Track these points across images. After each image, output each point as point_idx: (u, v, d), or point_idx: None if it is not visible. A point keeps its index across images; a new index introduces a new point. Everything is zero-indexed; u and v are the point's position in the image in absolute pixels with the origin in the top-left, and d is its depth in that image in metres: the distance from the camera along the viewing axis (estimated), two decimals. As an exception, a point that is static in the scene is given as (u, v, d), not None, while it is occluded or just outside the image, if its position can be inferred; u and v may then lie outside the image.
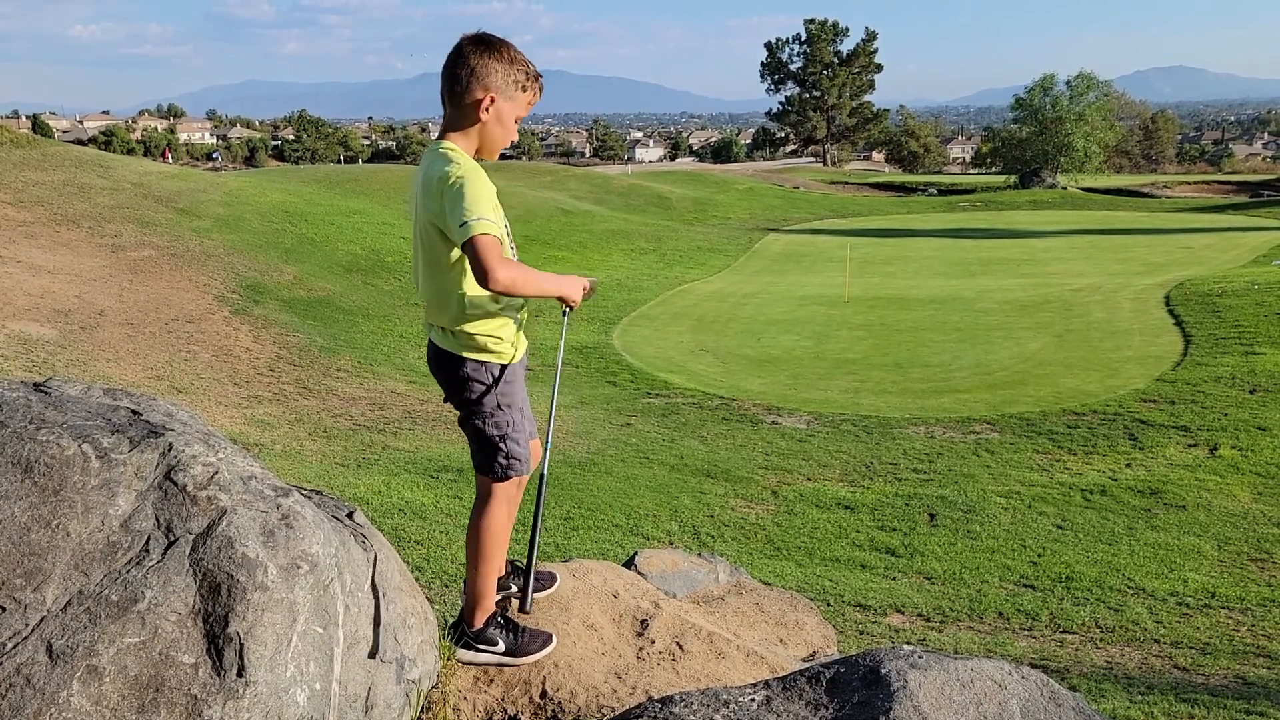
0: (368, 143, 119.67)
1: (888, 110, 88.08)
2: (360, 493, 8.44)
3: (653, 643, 3.18)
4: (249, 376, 12.87)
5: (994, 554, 7.58)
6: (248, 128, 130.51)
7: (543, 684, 2.86)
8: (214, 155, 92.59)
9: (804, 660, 3.60)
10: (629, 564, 3.95)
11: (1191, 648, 5.71)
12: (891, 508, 8.76)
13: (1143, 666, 5.39)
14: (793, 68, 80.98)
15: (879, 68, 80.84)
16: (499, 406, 2.70)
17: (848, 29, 79.60)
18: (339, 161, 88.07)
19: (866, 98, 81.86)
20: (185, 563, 2.19)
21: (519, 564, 3.11)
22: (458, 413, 2.81)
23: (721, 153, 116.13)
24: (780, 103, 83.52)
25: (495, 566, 2.89)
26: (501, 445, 2.73)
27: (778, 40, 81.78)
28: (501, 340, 2.66)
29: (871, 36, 79.93)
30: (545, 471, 2.90)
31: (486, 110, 2.53)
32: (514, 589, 3.05)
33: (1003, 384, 13.41)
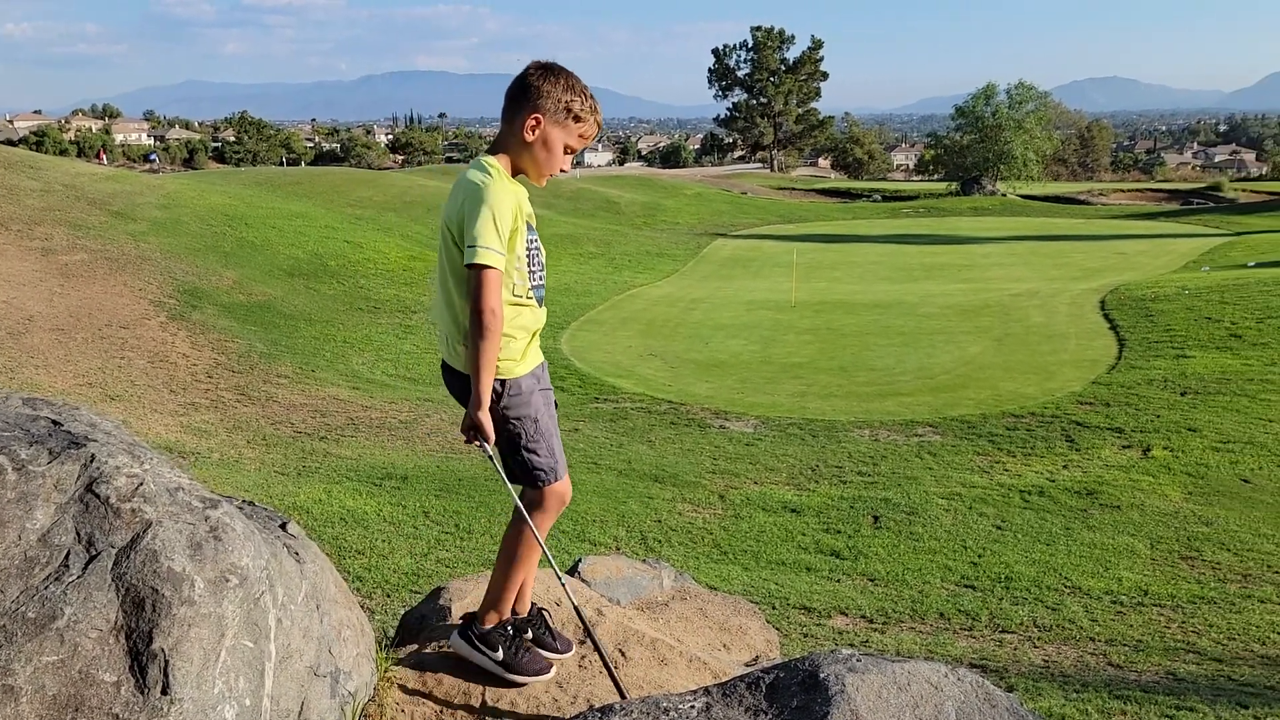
0: (311, 145, 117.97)
1: (833, 117, 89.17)
2: (300, 501, 8.29)
3: (595, 650, 3.17)
4: (186, 383, 12.59)
5: (936, 555, 7.68)
6: (187, 129, 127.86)
7: (482, 694, 2.83)
8: (151, 157, 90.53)
9: (747, 665, 3.60)
10: (572, 571, 3.93)
11: (1125, 645, 5.84)
12: (836, 510, 8.84)
13: (1078, 664, 5.50)
14: (740, 74, 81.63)
15: (825, 75, 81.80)
16: (508, 420, 2.67)
17: (794, 37, 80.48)
18: (281, 164, 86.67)
19: (812, 105, 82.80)
20: (107, 578, 2.12)
21: (544, 610, 3.04)
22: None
23: (670, 158, 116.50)
24: (728, 109, 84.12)
25: (523, 573, 2.87)
26: (522, 457, 2.69)
27: (725, 47, 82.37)
28: (504, 357, 2.62)
29: (817, 44, 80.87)
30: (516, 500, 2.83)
31: (533, 131, 2.54)
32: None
33: (944, 387, 13.63)
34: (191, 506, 2.32)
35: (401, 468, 9.76)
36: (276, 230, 23.85)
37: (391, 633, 3.55)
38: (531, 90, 2.53)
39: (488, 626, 2.82)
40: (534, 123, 2.53)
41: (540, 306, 2.72)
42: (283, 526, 2.76)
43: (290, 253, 22.29)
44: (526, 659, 2.82)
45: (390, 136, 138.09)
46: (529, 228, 2.63)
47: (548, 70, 2.56)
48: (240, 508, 2.75)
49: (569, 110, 2.55)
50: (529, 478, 2.72)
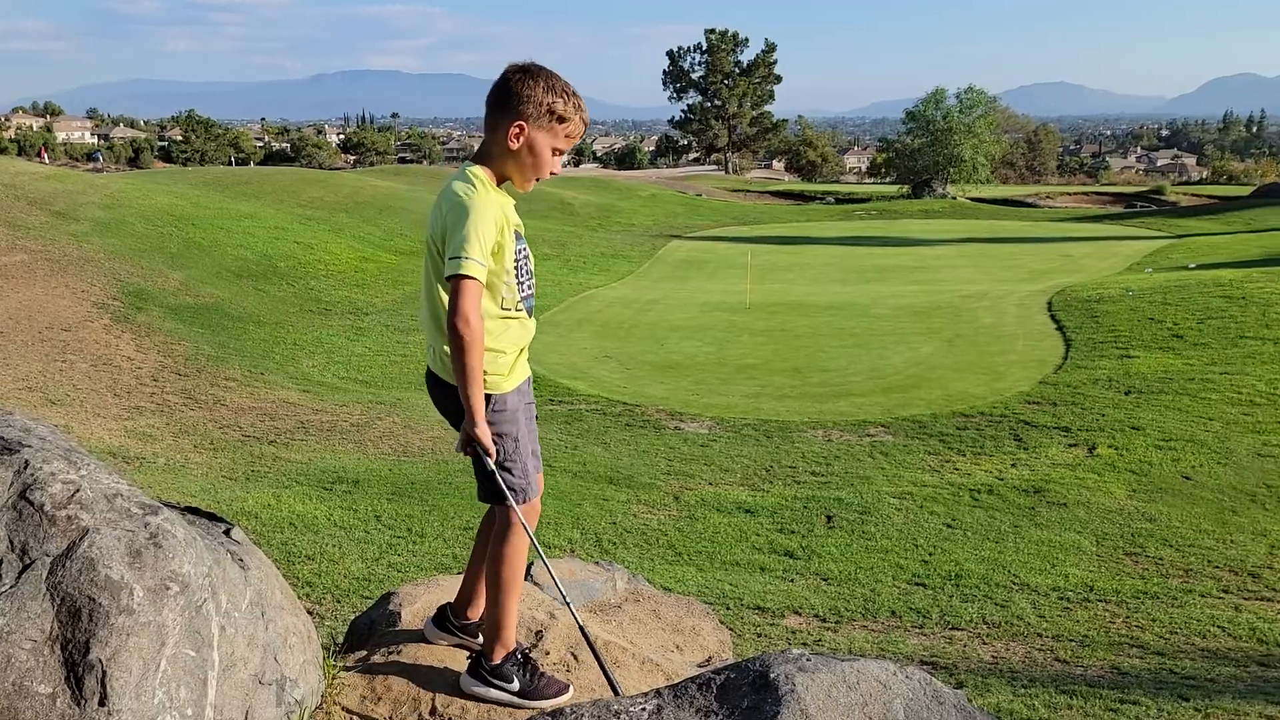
0: (260, 144, 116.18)
1: (787, 120, 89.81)
2: (248, 507, 8.15)
3: (547, 654, 3.15)
4: (130, 387, 12.32)
5: (888, 554, 7.77)
6: (132, 127, 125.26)
7: (432, 700, 2.80)
8: (95, 155, 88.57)
9: (700, 666, 3.61)
10: (525, 575, 3.91)
11: (1071, 640, 5.95)
12: (790, 510, 8.90)
13: (1026, 660, 5.59)
14: (694, 76, 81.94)
15: (778, 78, 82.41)
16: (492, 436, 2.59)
17: (747, 40, 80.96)
18: (230, 163, 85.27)
19: (766, 107, 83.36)
20: (42, 587, 2.07)
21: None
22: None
23: (625, 159, 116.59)
24: (683, 111, 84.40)
25: (514, 598, 2.78)
26: (497, 473, 2.62)
27: (679, 49, 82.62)
28: (491, 371, 2.55)
29: (771, 48, 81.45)
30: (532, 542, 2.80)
31: (516, 139, 2.48)
32: (516, 684, 2.83)
33: (896, 388, 13.79)
34: (130, 513, 2.27)
35: (353, 471, 9.64)
36: (225, 231, 23.45)
37: (341, 639, 3.50)
38: (512, 96, 2.47)
39: (497, 660, 2.75)
40: (518, 130, 2.47)
41: (530, 318, 2.66)
42: (226, 532, 2.71)
43: (239, 254, 21.93)
44: (544, 683, 2.78)
45: (342, 136, 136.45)
46: (517, 236, 2.57)
47: (526, 73, 2.49)
48: (183, 514, 2.70)
49: (552, 112, 2.48)
50: (498, 496, 2.65)
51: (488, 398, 2.56)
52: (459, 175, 2.50)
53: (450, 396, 2.60)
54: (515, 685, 2.75)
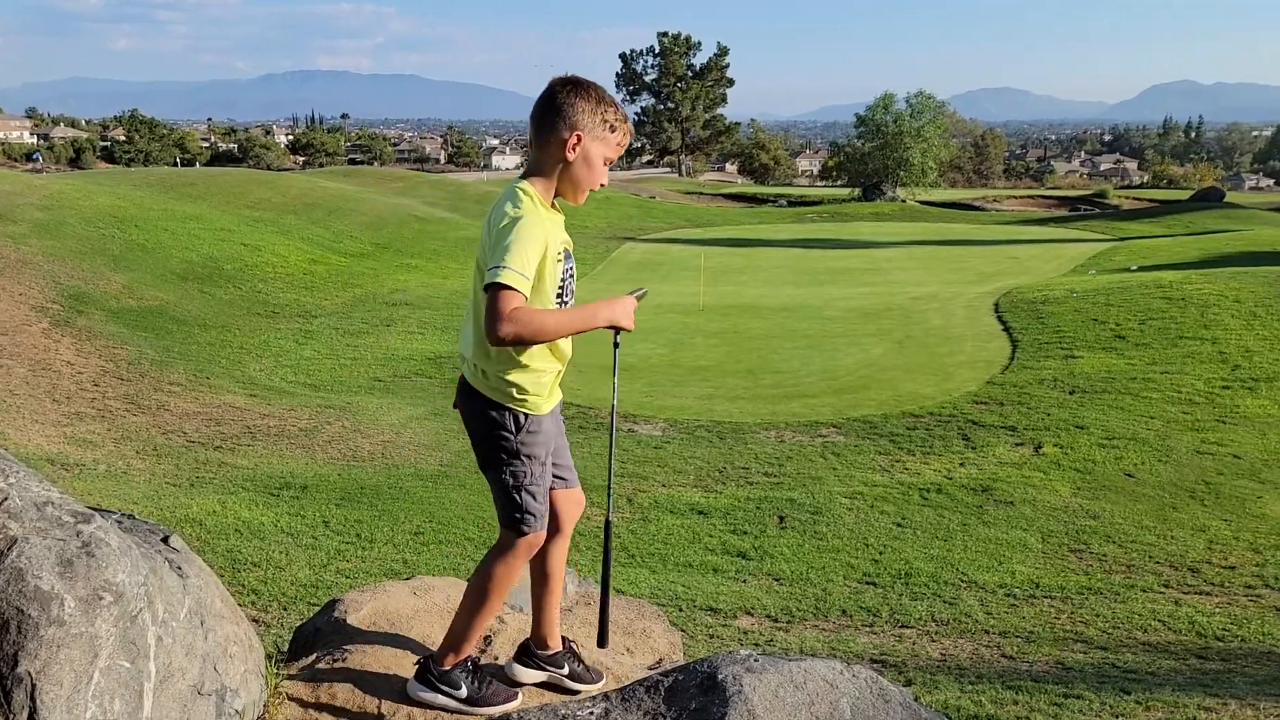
0: (206, 145, 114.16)
1: (739, 123, 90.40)
2: (193, 513, 7.99)
3: (496, 659, 3.12)
4: (70, 392, 12.03)
5: (839, 553, 7.84)
6: (73, 127, 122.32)
7: (378, 708, 2.76)
8: (34, 156, 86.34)
9: (650, 668, 3.61)
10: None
11: (1018, 637, 6.05)
12: (743, 511, 8.94)
13: (974, 657, 5.67)
14: (647, 79, 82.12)
15: (731, 81, 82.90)
16: (517, 456, 2.57)
17: (700, 43, 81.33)
18: (175, 164, 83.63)
19: (719, 110, 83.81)
20: (-33, 599, 2.00)
21: (572, 643, 2.98)
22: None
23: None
24: (636, 113, 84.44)
25: (488, 615, 2.74)
26: (516, 496, 2.59)
27: (632, 52, 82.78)
28: (531, 391, 2.55)
29: (723, 51, 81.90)
30: (611, 517, 2.77)
31: (573, 150, 2.49)
32: (565, 669, 2.89)
33: (848, 389, 13.92)
34: (62, 521, 2.20)
35: (301, 477, 9.50)
36: (169, 233, 22.99)
37: (287, 647, 3.44)
38: (566, 108, 2.48)
39: (447, 667, 2.72)
40: (575, 140, 2.48)
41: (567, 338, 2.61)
42: (164, 540, 2.65)
43: (184, 256, 21.51)
44: (492, 690, 2.76)
45: (291, 137, 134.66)
46: (566, 255, 2.58)
47: (576, 86, 2.52)
48: (119, 521, 2.63)
49: (605, 121, 2.52)
50: (512, 518, 2.61)
51: (526, 416, 2.55)
52: (509, 193, 2.50)
53: (477, 409, 2.58)
54: (463, 692, 2.72)
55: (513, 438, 2.55)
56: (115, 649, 2.13)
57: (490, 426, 2.56)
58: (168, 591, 2.39)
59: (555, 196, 2.55)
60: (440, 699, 2.71)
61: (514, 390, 2.52)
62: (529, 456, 2.57)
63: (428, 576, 3.78)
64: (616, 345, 2.72)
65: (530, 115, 2.54)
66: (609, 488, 2.75)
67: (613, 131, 2.54)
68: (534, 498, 2.60)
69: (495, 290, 2.31)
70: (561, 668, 2.85)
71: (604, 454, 10.87)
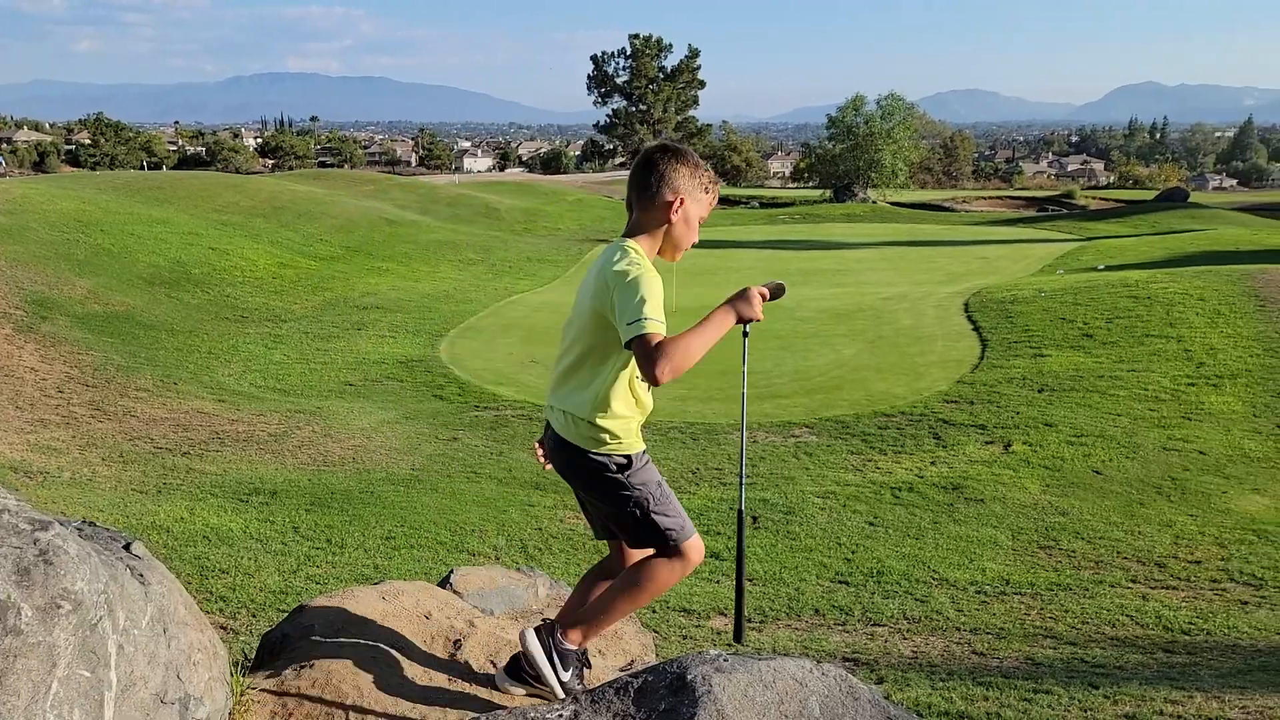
0: (174, 148, 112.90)
1: (711, 125, 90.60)
2: (160, 520, 7.89)
3: (466, 664, 3.10)
4: (34, 399, 11.84)
5: (811, 553, 7.86)
6: (36, 130, 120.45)
7: (346, 716, 2.74)
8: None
9: (622, 670, 3.60)
10: (444, 583, 3.85)
11: (988, 633, 6.09)
12: (716, 512, 8.95)
13: (945, 654, 5.71)
14: (619, 81, 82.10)
15: (702, 84, 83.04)
16: (630, 489, 2.68)
17: (671, 45, 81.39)
18: (141, 168, 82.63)
19: (691, 112, 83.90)
20: (-80, 609, 1.96)
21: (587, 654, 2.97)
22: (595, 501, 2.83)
23: (551, 164, 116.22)
24: (608, 115, 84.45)
25: (630, 610, 2.85)
26: (652, 523, 2.70)
27: (603, 54, 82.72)
28: (624, 437, 2.69)
29: (694, 53, 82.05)
30: (743, 508, 2.82)
31: (676, 212, 2.69)
32: (568, 674, 2.85)
33: (820, 389, 13.99)
34: (18, 529, 2.17)
35: (270, 482, 9.41)
36: (135, 237, 22.70)
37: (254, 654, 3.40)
38: (668, 174, 2.69)
39: (571, 645, 2.79)
40: (678, 204, 2.68)
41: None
42: (126, 547, 2.61)
43: (150, 260, 21.25)
44: (578, 689, 2.79)
45: (260, 140, 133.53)
46: None
47: (676, 153, 2.73)
48: (79, 529, 2.59)
49: (701, 184, 2.73)
50: (661, 539, 2.71)
51: (627, 458, 2.68)
52: (619, 251, 2.65)
53: (578, 460, 2.70)
54: (566, 676, 2.77)
55: (620, 477, 2.68)
56: (74, 658, 2.10)
57: (594, 473, 2.70)
58: (129, 599, 2.35)
59: (653, 255, 2.75)
60: (545, 667, 2.75)
61: (607, 436, 2.66)
62: (643, 483, 2.69)
63: (398, 581, 3.75)
64: (745, 335, 2.88)
65: (630, 179, 2.75)
66: (740, 480, 2.82)
67: (706, 193, 2.76)
68: (666, 515, 2.71)
69: (643, 339, 2.44)
70: (565, 673, 2.81)
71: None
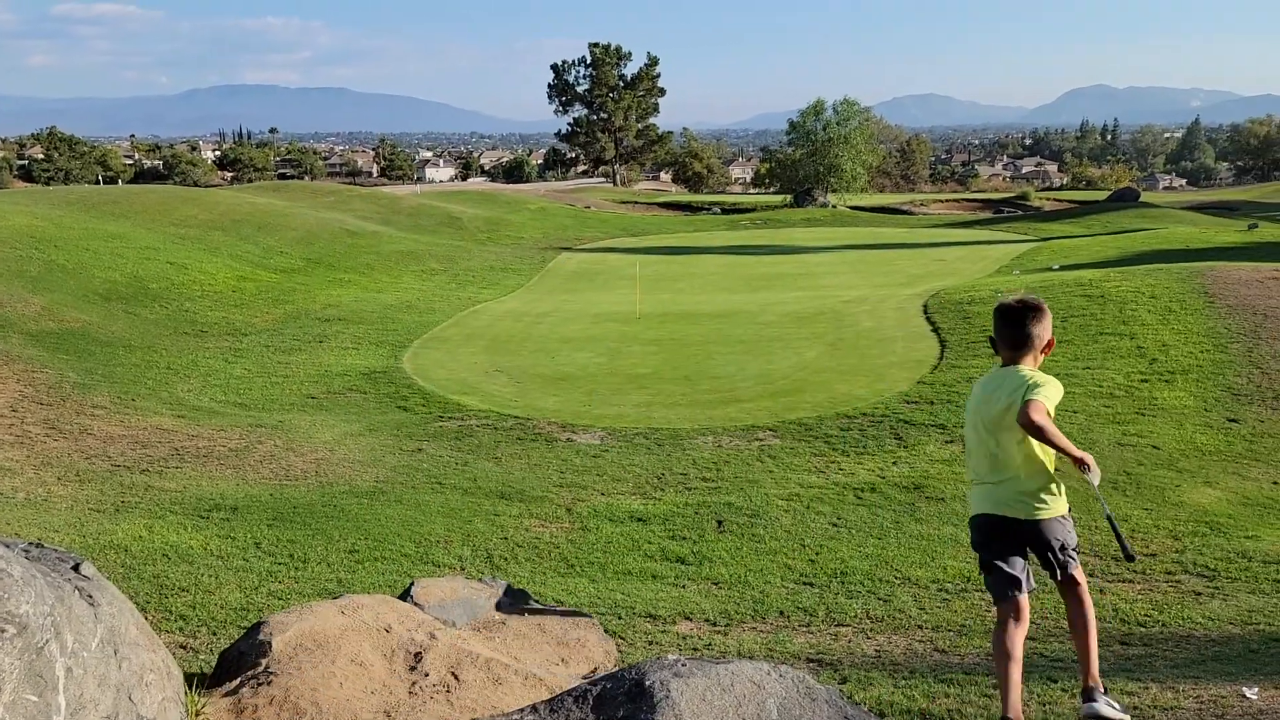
0: (130, 162, 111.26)
1: (672, 133, 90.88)
2: (118, 539, 7.75)
3: (426, 676, 3.08)
4: (-13, 419, 11.59)
5: (776, 555, 7.89)
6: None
7: (304, 731, 2.70)
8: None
9: (585, 677, 3.59)
10: (405, 595, 3.81)
11: (950, 630, 6.15)
12: (682, 517, 8.96)
13: (907, 652, 5.75)
14: (580, 90, 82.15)
15: (662, 91, 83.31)
16: (1070, 533, 3.79)
17: (630, 53, 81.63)
18: (97, 182, 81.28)
19: (651, 120, 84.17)
20: None
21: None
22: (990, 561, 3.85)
23: (513, 173, 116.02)
24: (569, 124, 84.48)
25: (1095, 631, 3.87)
26: (1075, 558, 3.80)
27: (564, 63, 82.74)
28: (1058, 494, 3.79)
29: (654, 61, 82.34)
30: (1109, 513, 3.96)
31: (1046, 351, 3.94)
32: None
33: (783, 392, 14.06)
34: (-40, 553, 2.11)
35: (231, 498, 9.28)
36: (91, 252, 22.33)
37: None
38: (1046, 321, 3.93)
39: (1101, 688, 3.75)
40: (1051, 342, 3.96)
41: None
42: (75, 568, 2.56)
43: (107, 276, 20.91)
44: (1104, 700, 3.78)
45: (218, 153, 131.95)
46: None
47: (1041, 307, 3.95)
48: (25, 550, 2.54)
49: (1052, 328, 3.99)
50: (1070, 568, 3.80)
51: (1064, 517, 3.80)
52: (1020, 373, 3.83)
53: (1044, 531, 3.75)
54: (1117, 707, 3.73)
55: (1070, 529, 3.80)
56: (20, 682, 2.05)
57: (1059, 536, 3.75)
58: (77, 621, 2.31)
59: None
60: (1115, 713, 3.69)
61: (1057, 494, 3.77)
62: (1071, 531, 3.82)
63: (358, 595, 3.72)
64: (1086, 480, 3.73)
65: (1013, 326, 3.93)
66: (1101, 504, 3.96)
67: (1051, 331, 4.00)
68: (1078, 554, 3.85)
69: (1031, 403, 3.62)
70: (1110, 697, 3.81)
71: (543, 464, 10.82)
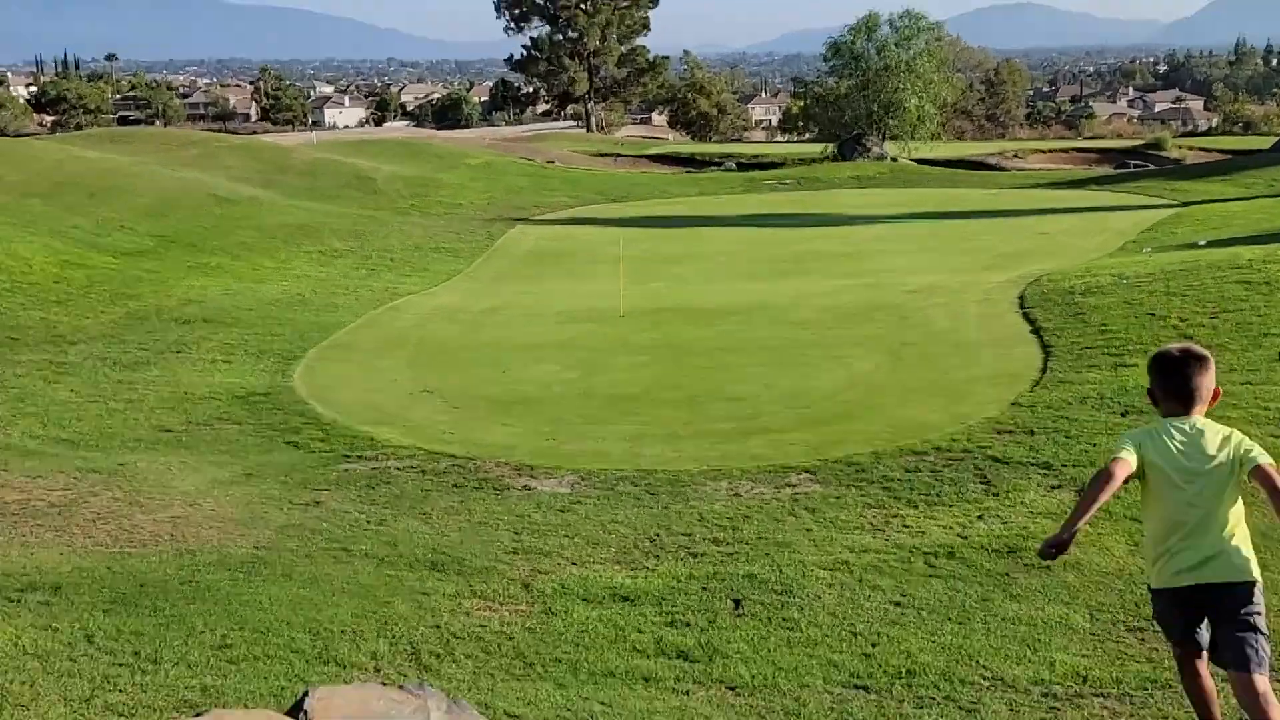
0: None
1: (668, 58, 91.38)
2: (-109, 633, 7.71)
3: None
4: None
5: (816, 647, 7.89)
6: None
7: None
8: None
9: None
10: (296, 710, 3.80)
11: (1061, 752, 6.16)
12: (684, 595, 8.96)
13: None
14: (539, 1, 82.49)
15: (653, 2, 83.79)
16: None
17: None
18: None
19: (639, 41, 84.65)
20: None
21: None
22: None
23: (447, 114, 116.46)
24: (524, 47, 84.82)
25: None
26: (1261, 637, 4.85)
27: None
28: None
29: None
30: None
31: (1213, 403, 4.99)
32: None
33: (825, 419, 14.10)
34: None
35: (52, 573, 9.25)
36: None
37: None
38: (1209, 373, 4.95)
39: None
40: (1218, 392, 5.07)
41: None
42: None
43: (-124, 261, 20.83)
44: None
45: (33, 88, 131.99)
46: None
47: (1205, 356, 5.00)
48: None
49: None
50: (1262, 658, 4.78)
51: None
52: (1220, 428, 4.96)
53: (1248, 592, 4.89)
54: None
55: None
56: None
57: (1260, 597, 4.88)
58: None
59: None
60: None
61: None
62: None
63: (229, 710, 3.70)
64: (1248, 622, 4.95)
65: (1177, 379, 4.97)
66: None
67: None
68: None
69: (1269, 467, 4.80)
70: None
71: (490, 522, 10.83)
